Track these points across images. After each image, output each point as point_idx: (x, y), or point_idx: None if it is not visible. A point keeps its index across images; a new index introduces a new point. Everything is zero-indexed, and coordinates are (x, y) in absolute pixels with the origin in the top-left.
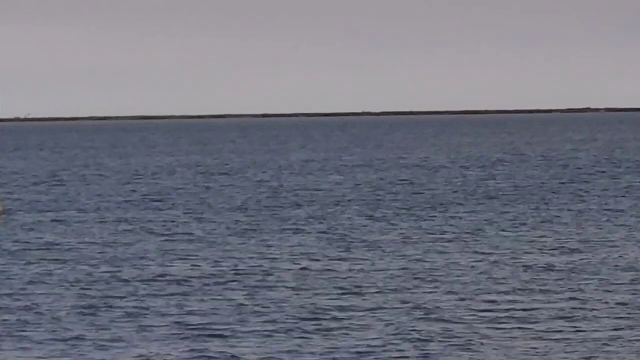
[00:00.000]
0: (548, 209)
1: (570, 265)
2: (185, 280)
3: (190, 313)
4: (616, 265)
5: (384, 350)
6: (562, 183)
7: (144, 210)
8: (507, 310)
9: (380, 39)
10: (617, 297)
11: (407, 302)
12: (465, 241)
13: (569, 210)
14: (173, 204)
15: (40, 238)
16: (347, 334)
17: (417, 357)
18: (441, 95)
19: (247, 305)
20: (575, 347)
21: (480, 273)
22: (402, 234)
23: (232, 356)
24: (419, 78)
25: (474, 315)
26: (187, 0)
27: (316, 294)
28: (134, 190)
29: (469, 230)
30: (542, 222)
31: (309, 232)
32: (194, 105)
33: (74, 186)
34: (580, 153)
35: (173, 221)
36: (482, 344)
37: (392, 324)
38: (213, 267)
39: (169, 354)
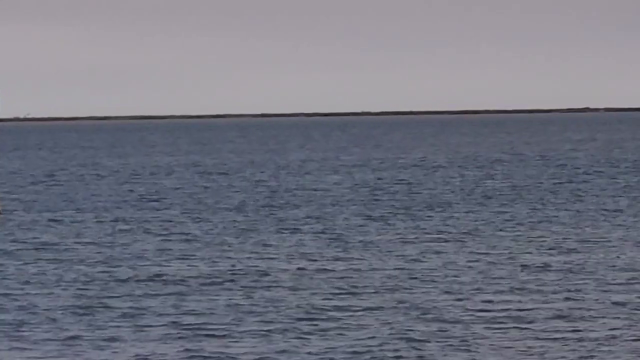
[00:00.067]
0: (546, 209)
1: (568, 265)
2: (182, 280)
3: (187, 313)
4: (614, 265)
5: (381, 350)
6: (560, 183)
7: (141, 210)
8: (504, 310)
9: (380, 39)
10: (614, 297)
11: (404, 302)
12: (462, 241)
13: (566, 210)
14: (170, 203)
15: (37, 238)
16: (344, 334)
17: (414, 357)
18: (441, 95)
19: (243, 305)
20: (573, 347)
21: (478, 273)
22: (399, 234)
23: (229, 356)
24: (419, 78)
25: (471, 315)
26: (187, 0)
27: (313, 294)
28: (131, 190)
29: (467, 230)
30: (539, 222)
31: (307, 232)
32: (193, 105)
33: (72, 186)
34: (578, 153)
35: (170, 221)
36: (479, 344)
37: (389, 323)
38: (210, 267)
39: (166, 354)
